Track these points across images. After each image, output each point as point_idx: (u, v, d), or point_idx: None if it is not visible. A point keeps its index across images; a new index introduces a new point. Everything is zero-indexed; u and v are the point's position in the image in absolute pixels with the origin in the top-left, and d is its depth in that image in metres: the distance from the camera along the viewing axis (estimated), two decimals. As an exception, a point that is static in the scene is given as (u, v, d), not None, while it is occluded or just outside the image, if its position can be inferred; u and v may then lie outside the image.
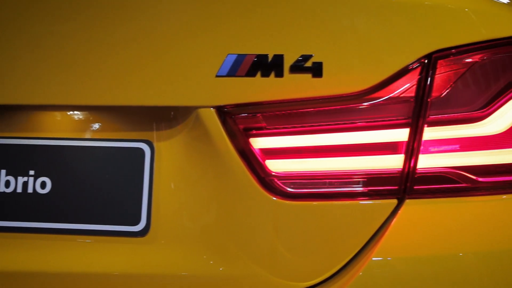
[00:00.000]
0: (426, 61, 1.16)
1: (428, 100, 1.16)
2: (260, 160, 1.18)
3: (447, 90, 1.17)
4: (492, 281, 1.14)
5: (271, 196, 1.17)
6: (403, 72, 1.16)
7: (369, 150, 1.17)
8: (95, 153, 1.22)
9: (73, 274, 1.18)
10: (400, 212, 1.16)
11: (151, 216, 1.20)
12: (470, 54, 1.17)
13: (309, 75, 1.15)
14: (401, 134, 1.17)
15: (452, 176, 1.18)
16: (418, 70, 1.16)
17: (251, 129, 1.18)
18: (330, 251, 1.18)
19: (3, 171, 1.22)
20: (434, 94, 1.17)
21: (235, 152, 1.17)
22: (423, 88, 1.16)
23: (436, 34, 1.16)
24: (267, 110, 1.17)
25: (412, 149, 1.16)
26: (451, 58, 1.17)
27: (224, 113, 1.17)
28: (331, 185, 1.18)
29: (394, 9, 1.16)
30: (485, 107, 1.17)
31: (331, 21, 1.16)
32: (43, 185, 1.21)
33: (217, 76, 1.15)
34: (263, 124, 1.18)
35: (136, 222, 1.20)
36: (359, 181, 1.18)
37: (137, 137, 1.23)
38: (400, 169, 1.17)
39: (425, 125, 1.16)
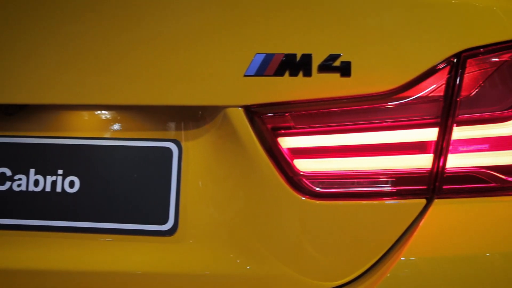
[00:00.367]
0: (455, 60, 1.15)
1: (457, 99, 1.16)
2: (288, 159, 1.18)
3: (476, 90, 1.17)
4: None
5: (299, 196, 1.17)
6: (431, 71, 1.15)
7: (398, 150, 1.17)
8: (123, 153, 1.23)
9: (102, 273, 1.19)
10: (428, 212, 1.16)
11: (179, 215, 1.20)
12: (498, 53, 1.17)
13: (338, 75, 1.14)
14: (430, 134, 1.16)
15: (481, 176, 1.17)
16: (447, 69, 1.15)
17: (279, 128, 1.18)
18: (358, 251, 1.18)
19: (32, 170, 1.23)
20: (463, 93, 1.16)
21: (263, 152, 1.17)
22: (452, 88, 1.16)
23: (464, 33, 1.15)
24: (295, 109, 1.17)
25: (441, 148, 1.16)
26: (480, 57, 1.16)
27: (252, 112, 1.17)
28: (359, 184, 1.18)
29: (423, 8, 1.15)
30: (514, 106, 1.17)
31: (360, 20, 1.15)
32: (71, 184, 1.22)
33: (245, 75, 1.15)
34: (291, 124, 1.18)
35: (164, 221, 1.20)
36: (387, 180, 1.17)
37: (165, 137, 1.24)
38: (429, 169, 1.16)
39: (454, 125, 1.16)
